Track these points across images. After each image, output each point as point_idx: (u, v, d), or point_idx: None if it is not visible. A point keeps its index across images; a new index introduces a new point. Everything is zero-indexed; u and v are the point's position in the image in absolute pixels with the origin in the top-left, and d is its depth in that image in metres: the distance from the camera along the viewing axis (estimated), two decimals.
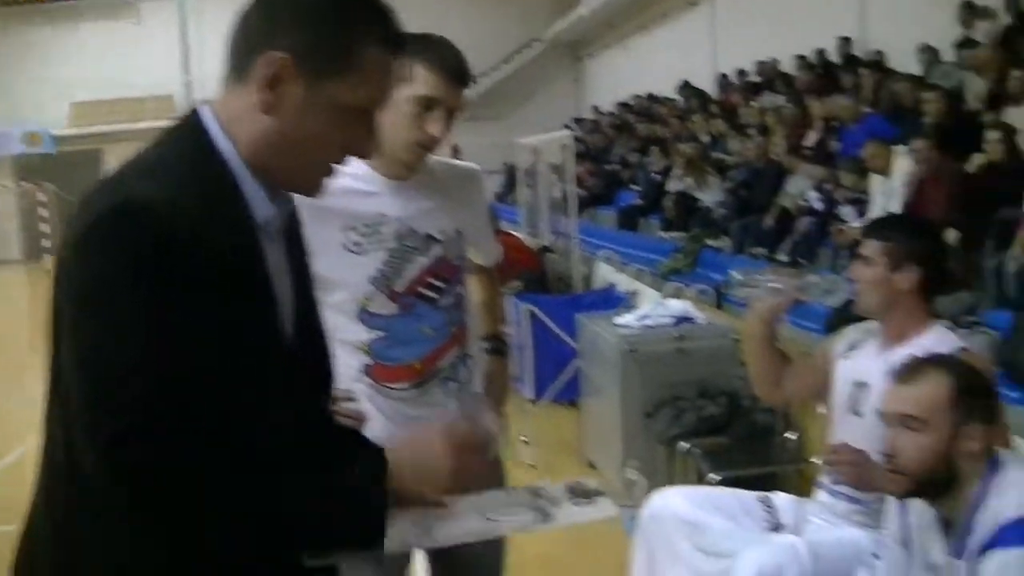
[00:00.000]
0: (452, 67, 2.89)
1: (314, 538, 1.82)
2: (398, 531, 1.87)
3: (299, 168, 1.89)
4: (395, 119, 2.87)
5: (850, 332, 3.84)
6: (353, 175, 2.95)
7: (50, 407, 1.83)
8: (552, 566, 5.81)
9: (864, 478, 3.29)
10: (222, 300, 1.75)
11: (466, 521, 2.01)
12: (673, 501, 3.93)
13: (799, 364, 3.97)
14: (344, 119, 1.84)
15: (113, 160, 30.98)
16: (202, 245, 1.72)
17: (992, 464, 2.73)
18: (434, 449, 1.94)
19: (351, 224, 2.92)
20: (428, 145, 2.92)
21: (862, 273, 3.60)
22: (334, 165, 1.93)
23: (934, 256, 3.64)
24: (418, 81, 2.85)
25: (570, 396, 8.19)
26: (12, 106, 32.52)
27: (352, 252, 2.91)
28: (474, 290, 3.34)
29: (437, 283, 3.00)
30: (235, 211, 1.83)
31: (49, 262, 31.30)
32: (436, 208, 3.03)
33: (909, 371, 2.83)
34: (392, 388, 2.99)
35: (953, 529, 2.75)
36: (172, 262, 1.69)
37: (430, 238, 2.99)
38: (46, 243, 31.11)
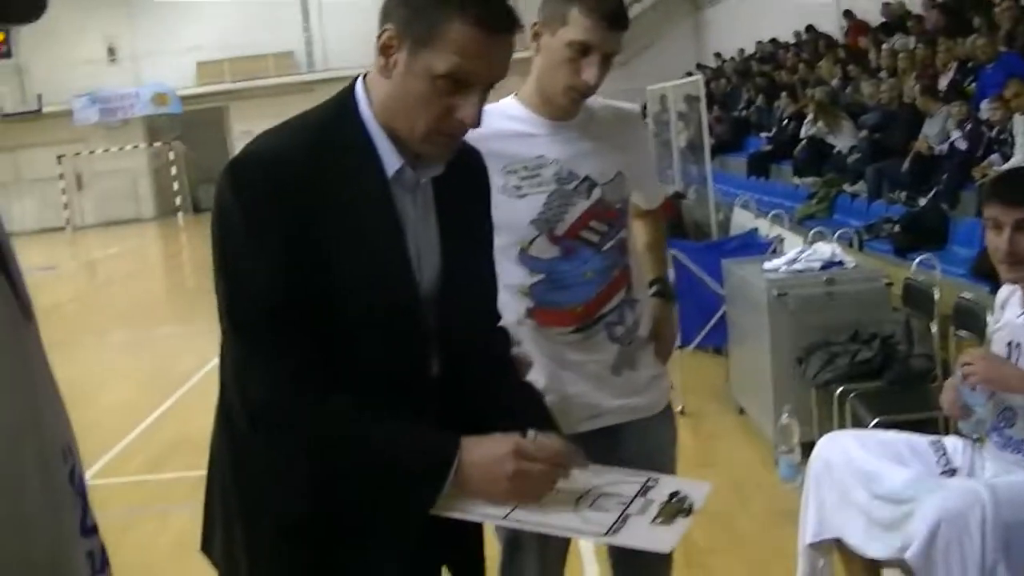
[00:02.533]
0: (607, 11, 2.84)
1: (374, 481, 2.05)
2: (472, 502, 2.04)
3: (413, 130, 2.06)
4: (550, 63, 2.88)
5: (999, 294, 3.80)
6: (513, 117, 2.96)
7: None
8: (713, 518, 5.79)
9: (993, 375, 3.40)
10: (338, 243, 2.01)
11: (551, 511, 2.08)
12: (844, 445, 3.88)
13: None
14: (438, 86, 2.01)
15: (237, 117, 31.74)
16: (314, 191, 1.99)
17: None
18: (500, 455, 2.04)
19: (511, 167, 2.91)
20: (583, 91, 2.90)
21: (992, 241, 3.53)
22: (448, 132, 2.10)
23: None
24: (573, 25, 2.82)
25: (717, 342, 8.15)
26: (139, 68, 33.23)
27: (512, 196, 2.91)
28: (638, 233, 3.31)
29: (599, 226, 2.98)
30: (360, 162, 2.07)
31: (180, 219, 32.25)
32: (597, 150, 3.00)
33: None
34: (555, 332, 2.99)
35: None
36: (280, 208, 1.97)
37: (590, 180, 2.96)
38: (177, 200, 31.86)
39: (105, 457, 8.15)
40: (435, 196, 2.19)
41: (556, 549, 3.15)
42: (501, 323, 2.94)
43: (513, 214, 2.90)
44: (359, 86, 2.12)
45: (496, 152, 2.86)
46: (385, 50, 2.04)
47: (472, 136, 2.86)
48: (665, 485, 2.21)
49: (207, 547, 2.32)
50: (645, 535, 2.05)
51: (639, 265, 3.19)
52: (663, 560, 3.33)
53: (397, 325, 2.09)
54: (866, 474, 3.73)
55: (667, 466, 3.16)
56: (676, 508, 2.11)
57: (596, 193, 2.97)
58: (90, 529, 1.17)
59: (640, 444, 3.05)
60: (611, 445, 3.01)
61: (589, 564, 5.04)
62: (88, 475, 7.63)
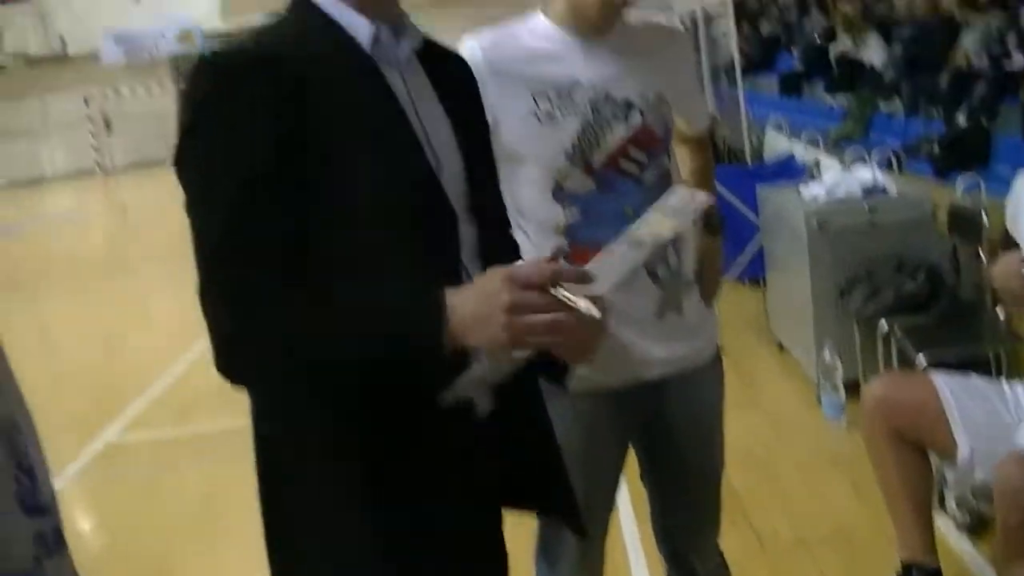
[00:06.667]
0: None
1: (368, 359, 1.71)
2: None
3: None
4: None
5: None
6: (541, 36, 2.69)
7: None
8: (754, 462, 5.58)
9: None
10: (330, 126, 1.74)
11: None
12: None
13: None
14: None
15: None
16: (290, 77, 1.73)
17: None
18: (491, 287, 1.68)
19: (541, 90, 2.63)
20: (619, 5, 2.62)
21: None
22: None
23: None
24: None
25: (753, 273, 7.93)
26: (163, 6, 33.04)
27: (543, 122, 2.62)
28: (682, 161, 3.01)
29: (638, 155, 2.68)
30: (329, 37, 1.84)
31: None
32: (635, 70, 2.69)
33: None
34: None
35: None
36: (239, 96, 1.72)
37: (629, 104, 2.66)
38: None
39: (131, 408, 8.05)
40: (431, 82, 1.95)
41: (598, 520, 2.92)
42: None
43: (544, 144, 2.63)
44: None
45: (523, 75, 2.63)
46: None
47: (497, 57, 2.64)
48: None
49: None
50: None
51: None
52: (711, 515, 3.13)
53: (417, 211, 1.83)
54: None
55: (715, 424, 2.98)
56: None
57: (635, 118, 2.67)
58: (39, 508, 1.10)
59: (687, 402, 2.85)
60: (657, 400, 2.82)
61: (633, 548, 4.83)
62: (115, 429, 7.59)
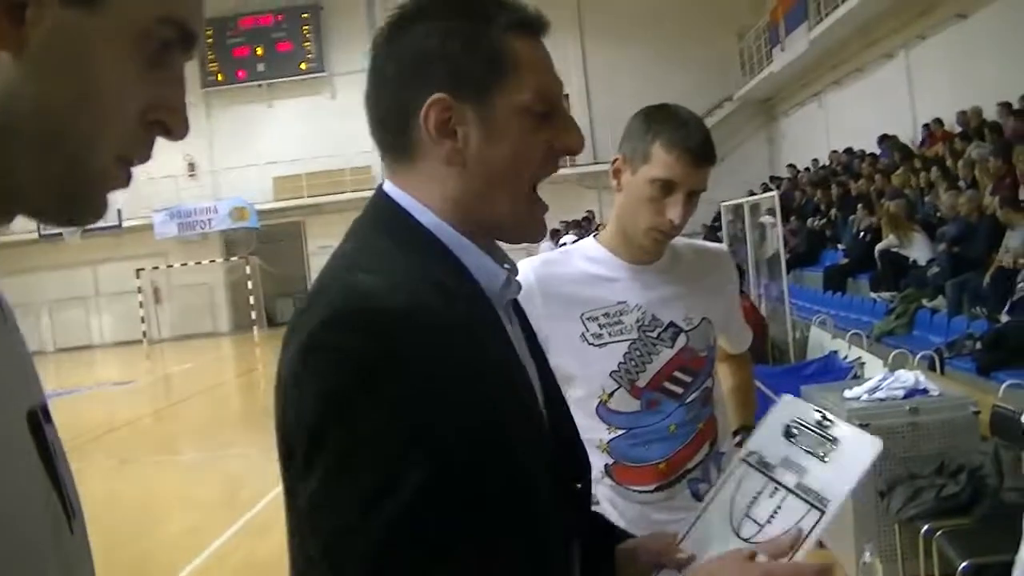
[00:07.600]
0: (692, 145, 2.67)
1: None
2: None
3: (513, 205, 1.63)
4: (632, 201, 2.72)
5: None
6: (593, 259, 2.81)
7: (287, 516, 1.56)
8: None
9: None
10: (474, 394, 1.47)
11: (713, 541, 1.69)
12: None
13: None
14: (528, 123, 1.60)
15: (313, 232, 32.13)
16: (438, 336, 1.45)
17: None
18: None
19: (590, 313, 2.74)
20: (667, 231, 2.72)
21: None
22: (540, 179, 1.66)
23: None
24: (655, 162, 2.66)
25: None
26: (218, 183, 33.83)
27: (592, 344, 2.73)
28: (723, 376, 3.11)
29: (683, 376, 2.78)
30: (462, 283, 1.59)
31: (256, 333, 32.47)
32: (681, 295, 2.81)
33: None
34: (635, 491, 2.78)
35: None
36: (407, 366, 1.43)
37: (675, 327, 2.77)
38: (253, 315, 32.25)
39: None
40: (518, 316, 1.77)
41: None
42: None
43: (592, 365, 2.73)
44: (400, 197, 1.64)
45: (574, 297, 2.74)
46: (442, 128, 1.57)
47: (549, 278, 2.74)
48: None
49: None
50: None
51: (725, 415, 2.99)
52: None
53: (544, 478, 1.60)
54: None
55: None
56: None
57: (681, 341, 2.78)
58: None
59: None
60: None
61: None
62: None
